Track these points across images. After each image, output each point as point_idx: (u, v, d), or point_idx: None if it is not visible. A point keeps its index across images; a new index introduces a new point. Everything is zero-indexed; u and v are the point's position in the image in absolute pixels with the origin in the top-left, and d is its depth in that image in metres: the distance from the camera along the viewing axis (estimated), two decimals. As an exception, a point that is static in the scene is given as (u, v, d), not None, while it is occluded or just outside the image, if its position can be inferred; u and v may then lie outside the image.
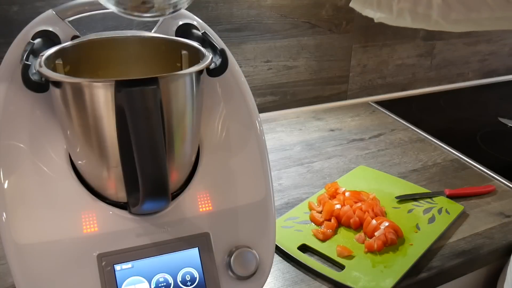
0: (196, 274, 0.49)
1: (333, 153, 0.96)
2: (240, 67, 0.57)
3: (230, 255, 0.51)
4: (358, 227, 0.71)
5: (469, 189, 0.83)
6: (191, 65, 0.51)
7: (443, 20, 0.59)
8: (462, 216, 0.76)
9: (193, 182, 0.52)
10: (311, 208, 0.75)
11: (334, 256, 0.65)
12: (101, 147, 0.44)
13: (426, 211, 0.76)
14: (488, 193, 0.83)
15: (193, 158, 0.52)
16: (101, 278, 0.46)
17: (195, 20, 0.57)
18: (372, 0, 0.59)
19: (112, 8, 0.47)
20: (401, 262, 0.64)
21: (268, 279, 0.53)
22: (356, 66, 1.25)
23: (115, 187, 0.47)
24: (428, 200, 0.79)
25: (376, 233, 0.68)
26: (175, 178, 0.50)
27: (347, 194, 0.76)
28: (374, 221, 0.69)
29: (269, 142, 1.00)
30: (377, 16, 0.61)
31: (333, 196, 0.77)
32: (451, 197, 0.80)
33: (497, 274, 0.77)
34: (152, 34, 0.55)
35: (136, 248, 0.48)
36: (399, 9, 0.59)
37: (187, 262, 0.49)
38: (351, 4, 0.63)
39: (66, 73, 0.49)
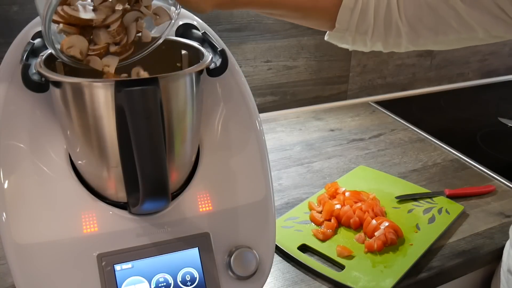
0: (196, 274, 0.49)
1: (333, 153, 0.96)
2: (240, 67, 0.57)
3: (230, 255, 0.51)
4: (358, 227, 0.71)
5: (469, 189, 0.83)
6: (191, 65, 0.51)
7: (412, 45, 0.63)
8: (462, 216, 0.76)
9: (193, 182, 0.52)
10: (311, 208, 0.75)
11: (334, 256, 0.65)
12: (101, 147, 0.44)
13: (426, 211, 0.76)
14: (488, 193, 0.83)
15: (193, 158, 0.52)
16: (101, 278, 0.46)
17: (195, 20, 0.57)
18: (348, 39, 0.63)
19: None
20: (401, 262, 0.64)
21: (268, 279, 0.53)
22: (356, 66, 1.25)
23: (115, 187, 0.47)
24: (428, 200, 0.79)
25: (376, 233, 0.68)
26: (175, 178, 0.50)
27: (347, 194, 0.76)
28: (374, 221, 0.69)
29: (269, 142, 1.00)
30: (353, 47, 0.65)
31: (333, 196, 0.77)
32: (451, 197, 0.80)
33: (496, 274, 0.77)
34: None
35: (136, 248, 0.48)
36: (373, 43, 0.63)
37: (187, 262, 0.49)
38: (326, 39, 0.66)
39: (66, 73, 0.49)
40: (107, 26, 0.45)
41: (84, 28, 0.45)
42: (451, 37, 0.61)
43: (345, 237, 0.69)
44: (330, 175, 0.88)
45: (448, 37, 0.61)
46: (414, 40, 0.62)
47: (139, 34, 0.49)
